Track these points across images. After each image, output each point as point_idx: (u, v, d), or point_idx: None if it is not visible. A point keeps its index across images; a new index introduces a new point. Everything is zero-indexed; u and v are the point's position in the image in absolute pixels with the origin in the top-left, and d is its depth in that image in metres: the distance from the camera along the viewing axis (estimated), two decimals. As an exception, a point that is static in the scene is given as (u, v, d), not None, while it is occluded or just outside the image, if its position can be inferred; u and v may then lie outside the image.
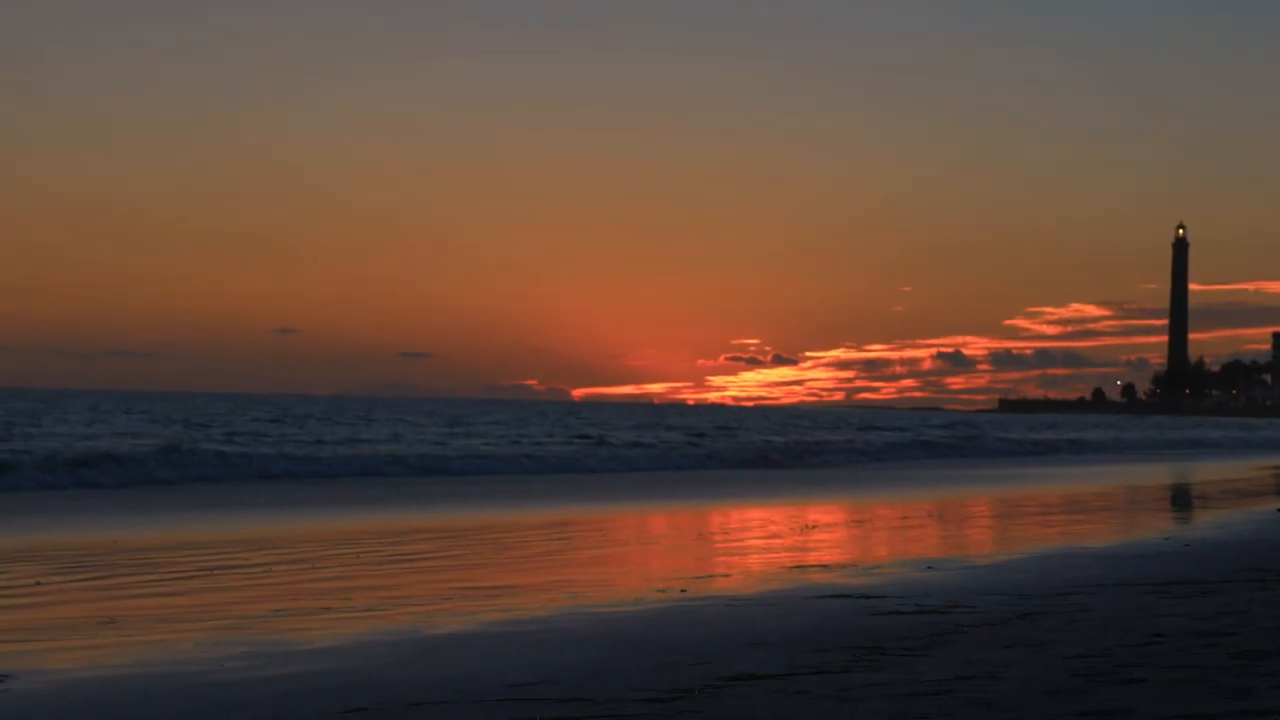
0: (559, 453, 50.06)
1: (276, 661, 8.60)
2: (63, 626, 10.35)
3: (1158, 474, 45.51)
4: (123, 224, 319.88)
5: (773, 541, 18.18)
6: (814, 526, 20.78)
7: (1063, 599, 11.00)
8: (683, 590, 12.19)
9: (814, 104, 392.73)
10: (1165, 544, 16.52)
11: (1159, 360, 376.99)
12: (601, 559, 16.19)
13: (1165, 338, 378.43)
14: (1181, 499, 30.08)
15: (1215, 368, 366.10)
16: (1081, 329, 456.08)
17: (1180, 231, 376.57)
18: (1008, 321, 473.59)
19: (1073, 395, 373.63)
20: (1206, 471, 46.12)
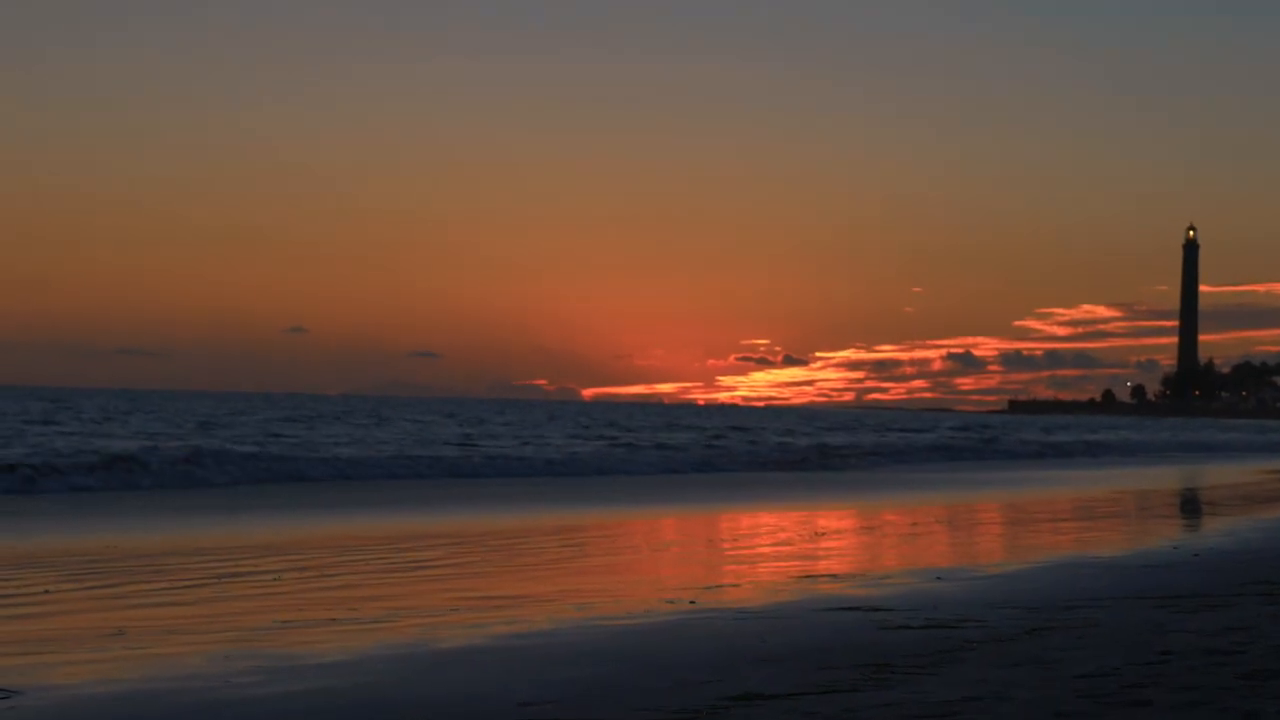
0: (579, 454, 50.09)
1: (283, 677, 8.60)
2: (71, 638, 10.35)
3: (1169, 478, 45.47)
4: (132, 222, 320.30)
5: (783, 549, 18.17)
6: (824, 534, 20.78)
7: (1071, 613, 10.98)
8: (692, 602, 12.19)
9: (826, 104, 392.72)
10: (1174, 553, 16.50)
11: (1169, 362, 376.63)
12: (611, 567, 16.18)
13: (1175, 339, 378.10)
14: (1191, 505, 30.05)
15: (1225, 369, 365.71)
16: (1092, 330, 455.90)
17: (1191, 233, 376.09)
18: (1018, 322, 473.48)
19: (1083, 397, 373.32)
20: (1217, 475, 46.07)
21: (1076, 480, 41.61)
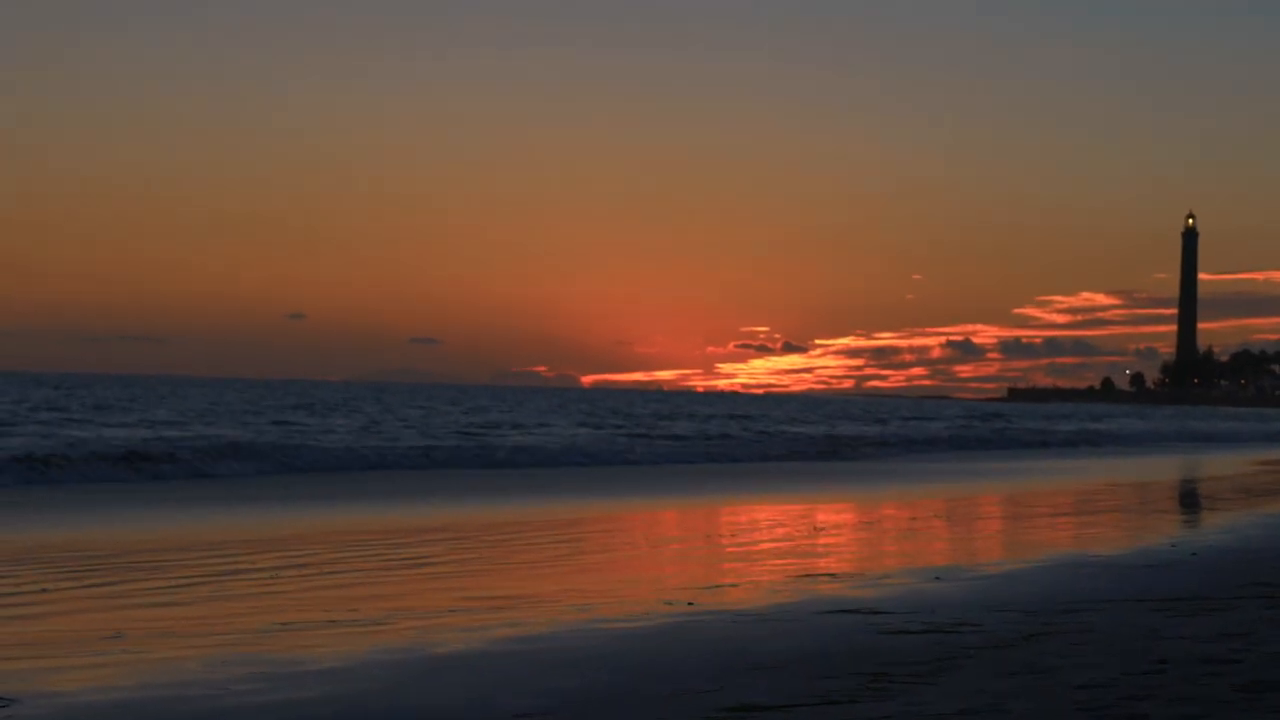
0: (590, 443, 50.12)
1: (281, 684, 8.59)
2: (69, 640, 10.35)
3: (1171, 469, 45.50)
4: (132, 210, 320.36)
5: (782, 545, 18.17)
6: (823, 529, 20.77)
7: (1069, 617, 10.98)
8: (690, 603, 12.18)
9: (826, 93, 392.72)
10: (1173, 552, 16.50)
11: (1168, 350, 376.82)
12: (612, 564, 16.18)
13: (1174, 327, 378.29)
14: (1190, 499, 30.04)
15: (1224, 357, 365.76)
16: (1091, 318, 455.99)
17: (1190, 221, 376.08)
18: (1017, 310, 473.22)
19: (1082, 384, 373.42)
20: (1217, 466, 46.08)
21: (1079, 471, 41.65)
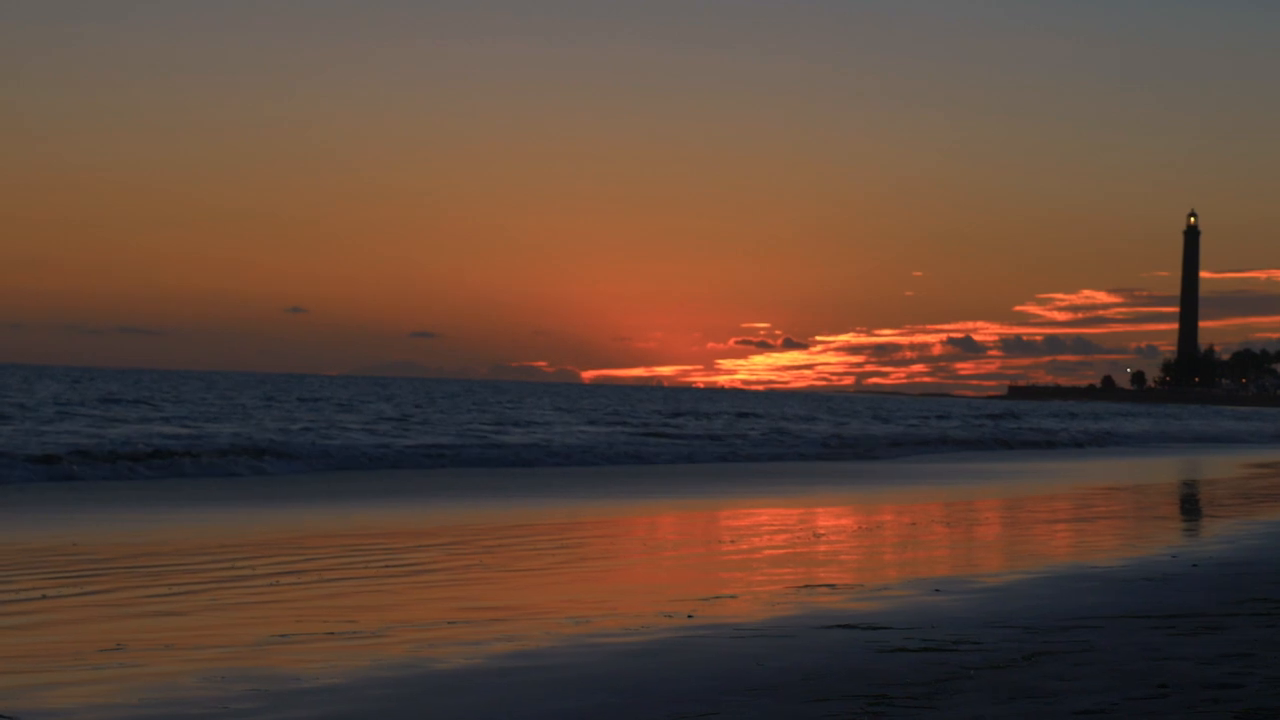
0: (600, 443, 50.20)
1: (279, 703, 8.57)
2: (68, 652, 10.34)
3: (1173, 471, 45.51)
4: (133, 203, 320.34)
5: (784, 552, 18.17)
6: (823, 535, 20.76)
7: (1069, 634, 10.97)
8: (690, 615, 12.17)
9: (827, 89, 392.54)
10: (1173, 563, 16.48)
11: (1169, 348, 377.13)
12: (611, 573, 16.17)
13: (1175, 325, 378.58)
14: (1191, 504, 30.03)
15: (1225, 356, 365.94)
16: (1092, 315, 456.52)
17: (1192, 219, 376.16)
18: (1018, 307, 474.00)
19: (1082, 382, 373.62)
20: (1220, 469, 46.08)
21: (1083, 473, 41.63)
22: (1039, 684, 8.93)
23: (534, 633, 11.26)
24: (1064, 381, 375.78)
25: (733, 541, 19.75)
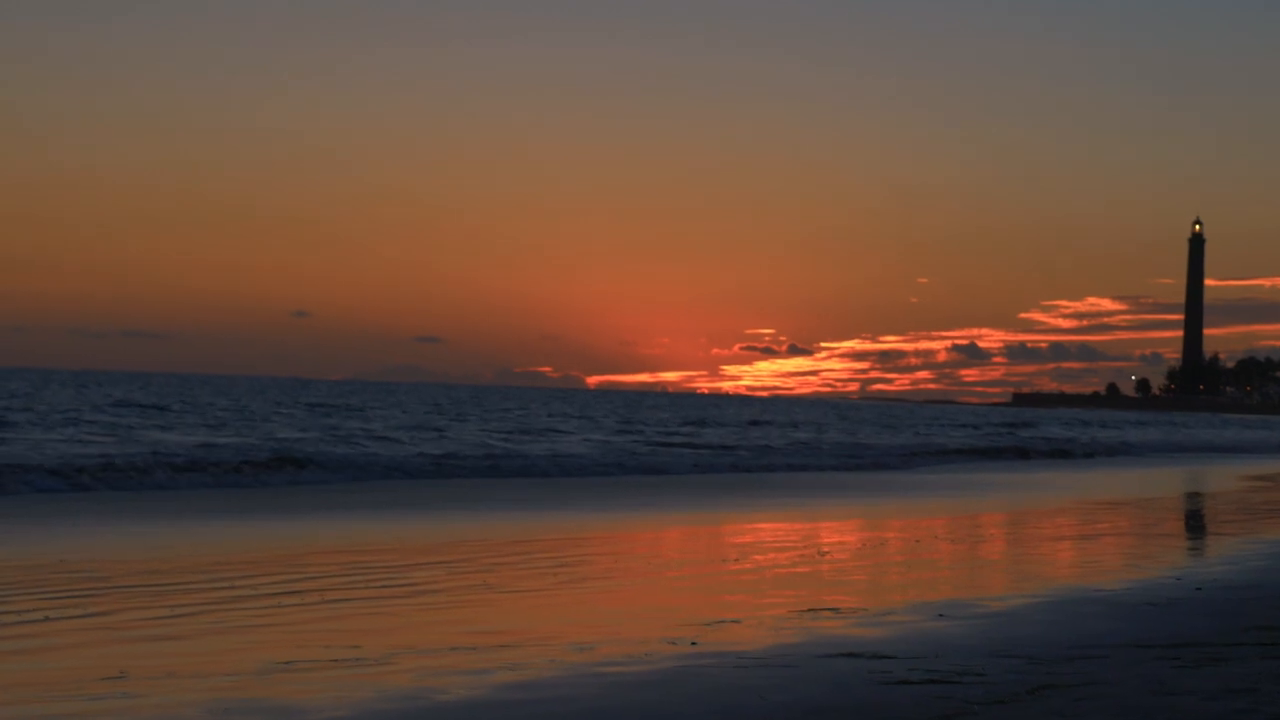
0: (613, 453, 50.27)
1: (282, 738, 8.56)
2: (70, 680, 10.33)
3: (1179, 483, 45.45)
4: (137, 206, 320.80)
5: (789, 571, 18.12)
6: (828, 552, 20.72)
7: (1073, 666, 10.95)
8: (693, 643, 12.14)
9: (833, 94, 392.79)
10: (1177, 586, 16.45)
11: (1173, 355, 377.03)
12: (617, 594, 16.11)
13: (1180, 333, 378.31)
14: (1195, 520, 29.97)
15: (1230, 363, 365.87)
16: (1097, 323, 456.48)
17: (1197, 227, 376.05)
18: (1023, 314, 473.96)
19: (1087, 390, 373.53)
20: (1226, 480, 46.01)
21: (1097, 485, 41.56)
22: (1042, 721, 8.91)
23: (537, 660, 11.24)
24: (1068, 389, 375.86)
25: (738, 559, 19.72)
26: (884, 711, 9.23)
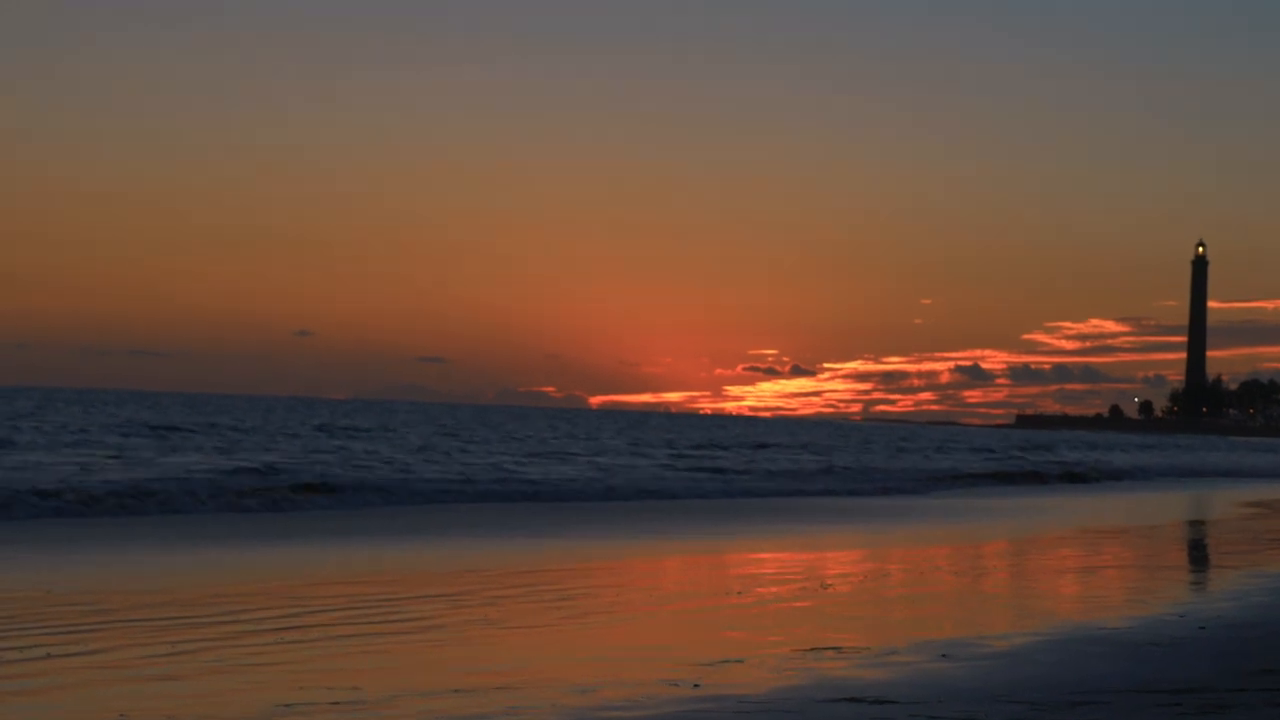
0: (626, 477, 50.25)
1: (283, 789, 8.53)
2: (70, 725, 10.31)
3: (1184, 509, 45.40)
4: (143, 225, 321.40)
5: (793, 606, 18.06)
6: (831, 584, 20.67)
7: (1075, 712, 10.91)
8: (695, 685, 12.10)
9: (837, 116, 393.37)
10: (1180, 623, 16.40)
11: (1177, 377, 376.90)
12: (615, 630, 16.07)
13: (1184, 355, 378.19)
14: (1199, 552, 29.90)
15: (1233, 386, 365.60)
16: (1100, 345, 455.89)
17: (1200, 249, 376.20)
18: (1026, 336, 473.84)
19: (1090, 411, 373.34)
20: (1231, 507, 45.94)
21: (1107, 511, 41.49)
22: (1046, 774, 8.88)
23: (538, 703, 11.20)
24: (1071, 410, 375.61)
25: (740, 593, 19.64)
26: (887, 762, 9.19)
